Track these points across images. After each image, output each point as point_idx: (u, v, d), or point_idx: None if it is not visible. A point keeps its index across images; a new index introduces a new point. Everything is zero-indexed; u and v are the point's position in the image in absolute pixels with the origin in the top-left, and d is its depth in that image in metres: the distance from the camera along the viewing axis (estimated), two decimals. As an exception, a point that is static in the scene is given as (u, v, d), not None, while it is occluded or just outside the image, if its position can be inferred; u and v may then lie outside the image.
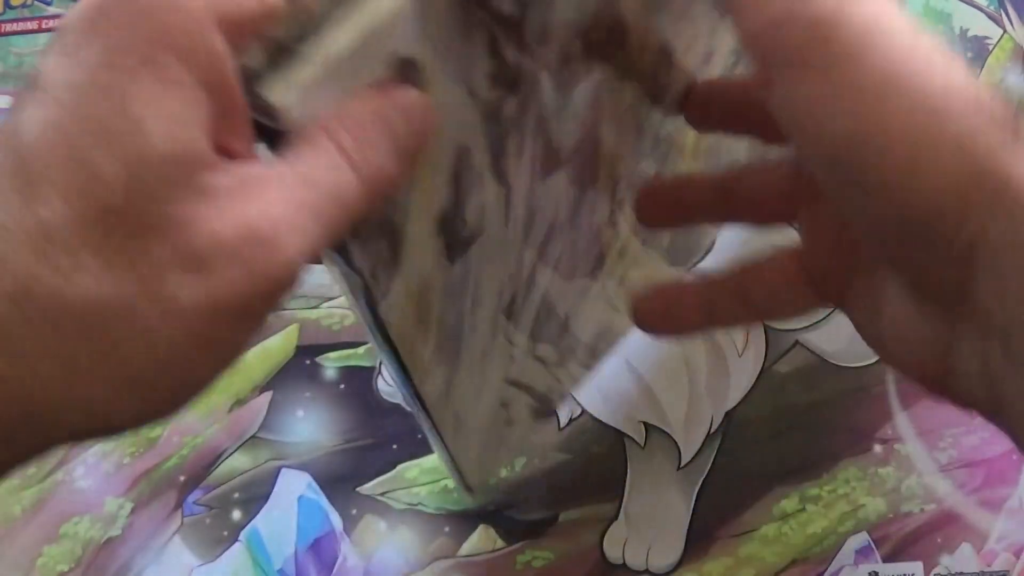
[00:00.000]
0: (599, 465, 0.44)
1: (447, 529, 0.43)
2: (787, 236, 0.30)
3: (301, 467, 0.44)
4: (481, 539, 0.42)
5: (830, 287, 0.28)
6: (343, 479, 0.43)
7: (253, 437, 0.44)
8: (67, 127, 0.18)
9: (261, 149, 0.22)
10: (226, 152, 0.20)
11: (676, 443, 0.44)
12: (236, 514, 0.43)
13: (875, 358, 0.45)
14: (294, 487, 0.43)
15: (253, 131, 0.21)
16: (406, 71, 0.22)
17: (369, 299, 0.24)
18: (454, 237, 0.26)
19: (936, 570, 0.42)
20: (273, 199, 0.19)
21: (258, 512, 0.43)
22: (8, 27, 0.50)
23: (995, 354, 0.21)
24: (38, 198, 0.18)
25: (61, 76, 0.18)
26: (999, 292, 0.21)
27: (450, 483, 0.43)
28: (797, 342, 0.46)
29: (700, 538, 0.42)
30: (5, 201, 0.18)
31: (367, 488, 0.43)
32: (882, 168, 0.21)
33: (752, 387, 0.45)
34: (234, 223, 0.19)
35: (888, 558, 0.42)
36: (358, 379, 0.45)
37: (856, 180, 0.21)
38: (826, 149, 0.22)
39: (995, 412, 0.23)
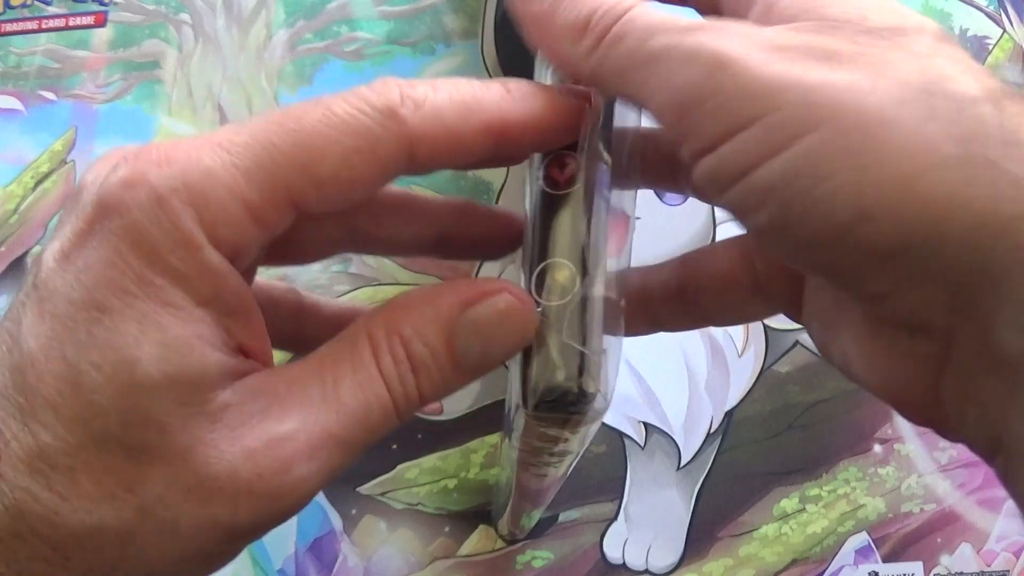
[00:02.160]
0: (599, 465, 0.44)
1: (447, 529, 0.43)
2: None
3: (301, 467, 0.44)
4: (481, 539, 0.42)
5: (781, 294, 0.25)
6: (343, 479, 0.43)
7: (253, 437, 0.44)
8: (65, 347, 0.18)
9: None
10: (244, 352, 0.20)
11: (676, 443, 0.44)
12: (236, 514, 0.43)
13: (875, 358, 0.45)
14: (294, 487, 0.43)
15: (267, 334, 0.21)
16: None
17: None
18: None
19: (936, 570, 0.42)
20: (291, 422, 0.19)
21: (258, 512, 0.43)
22: (8, 27, 0.50)
23: (998, 392, 0.19)
24: (36, 419, 0.18)
25: (61, 287, 0.18)
26: (1010, 325, 0.18)
27: (450, 483, 0.43)
28: (797, 342, 0.46)
29: (700, 538, 0.43)
30: (7, 415, 0.18)
31: (367, 488, 0.43)
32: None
33: (752, 387, 0.45)
34: (244, 451, 0.18)
35: (888, 558, 0.42)
36: (358, 379, 0.45)
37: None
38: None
39: (993, 452, 0.20)
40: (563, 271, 0.22)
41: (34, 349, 0.18)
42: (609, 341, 0.22)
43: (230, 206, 0.19)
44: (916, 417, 0.21)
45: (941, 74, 0.19)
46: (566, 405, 0.21)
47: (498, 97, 0.21)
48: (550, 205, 0.22)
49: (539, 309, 0.21)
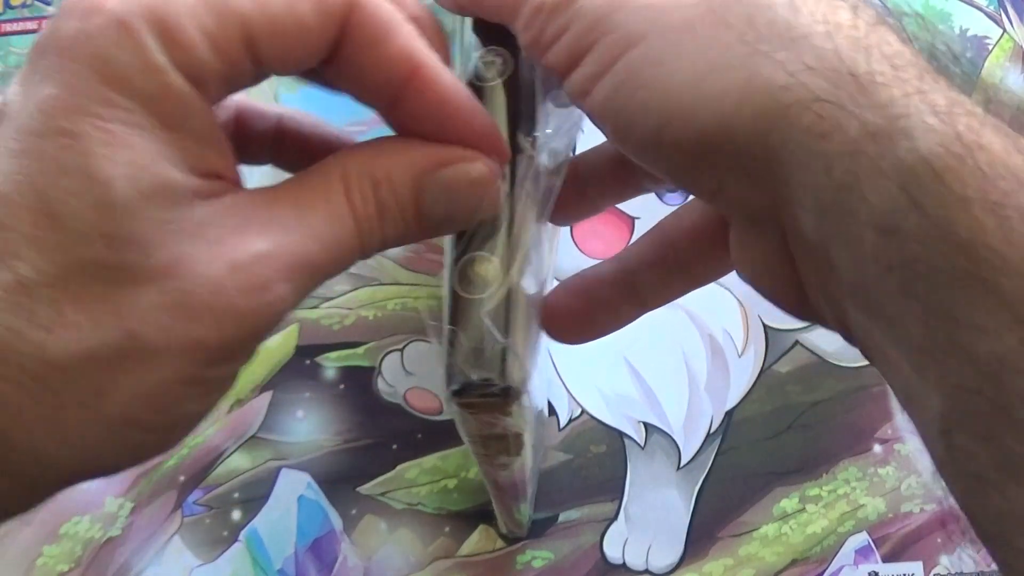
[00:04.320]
0: (599, 465, 0.44)
1: (447, 529, 0.43)
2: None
3: (301, 467, 0.44)
4: (481, 539, 0.42)
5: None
6: (343, 479, 0.43)
7: (253, 437, 0.44)
8: (35, 179, 0.18)
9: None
10: (214, 176, 0.20)
11: (676, 443, 0.44)
12: (236, 514, 0.43)
13: (875, 358, 0.45)
14: (294, 487, 0.43)
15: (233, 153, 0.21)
16: None
17: None
18: None
19: (936, 570, 0.42)
20: (270, 242, 0.19)
21: (258, 512, 0.43)
22: (8, 27, 0.50)
23: (822, 278, 0.20)
24: (14, 255, 0.17)
25: (24, 121, 0.18)
26: (808, 208, 0.19)
27: (450, 483, 0.43)
28: (797, 342, 0.46)
29: (700, 538, 0.43)
30: None
31: (367, 488, 0.43)
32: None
33: (752, 387, 0.45)
34: (226, 264, 0.19)
35: (888, 558, 0.42)
36: (358, 379, 0.45)
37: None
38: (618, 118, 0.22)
39: (849, 337, 0.21)
40: (486, 264, 0.23)
41: (4, 190, 0.18)
42: (531, 329, 0.23)
43: (191, 32, 0.19)
44: (797, 313, 0.22)
45: None
46: (489, 395, 0.22)
47: None
48: None
49: (463, 300, 0.22)
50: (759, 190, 0.20)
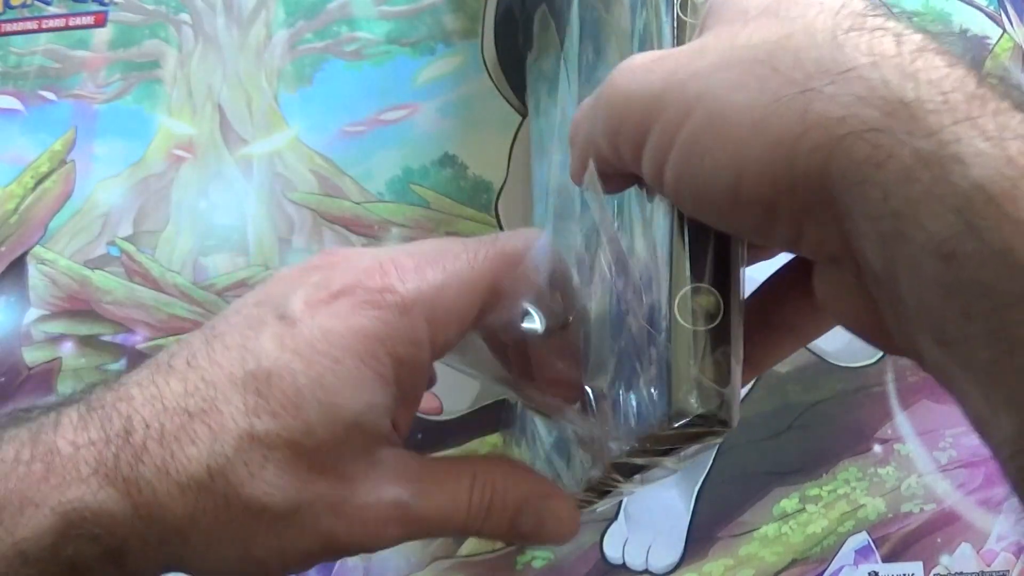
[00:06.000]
0: (599, 465, 0.44)
1: (447, 529, 0.43)
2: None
3: (301, 467, 0.44)
4: (481, 539, 0.42)
5: None
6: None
7: (253, 437, 0.44)
8: (299, 378, 0.24)
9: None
10: (394, 426, 0.26)
11: (676, 443, 0.44)
12: (236, 514, 0.43)
13: (875, 358, 0.45)
14: (294, 487, 0.43)
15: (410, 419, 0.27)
16: None
17: None
18: None
19: (936, 570, 0.42)
20: (409, 495, 0.26)
21: (258, 512, 0.43)
22: (8, 27, 0.50)
23: (894, 311, 0.20)
24: (258, 412, 0.24)
25: (306, 332, 0.25)
26: (870, 238, 0.20)
27: (450, 483, 0.43)
28: (797, 342, 0.46)
29: (700, 538, 0.43)
30: (234, 400, 0.24)
31: (367, 488, 0.43)
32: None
33: (752, 387, 0.45)
34: (377, 500, 0.25)
35: (888, 558, 0.42)
36: (358, 379, 0.45)
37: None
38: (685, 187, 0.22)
39: (925, 367, 0.21)
40: (709, 297, 0.23)
41: (271, 370, 0.24)
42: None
43: (451, 319, 0.26)
44: (884, 347, 0.23)
45: (782, 35, 0.21)
46: (705, 428, 0.23)
47: None
48: (693, 231, 0.23)
49: (685, 330, 0.23)
50: (831, 227, 0.20)
